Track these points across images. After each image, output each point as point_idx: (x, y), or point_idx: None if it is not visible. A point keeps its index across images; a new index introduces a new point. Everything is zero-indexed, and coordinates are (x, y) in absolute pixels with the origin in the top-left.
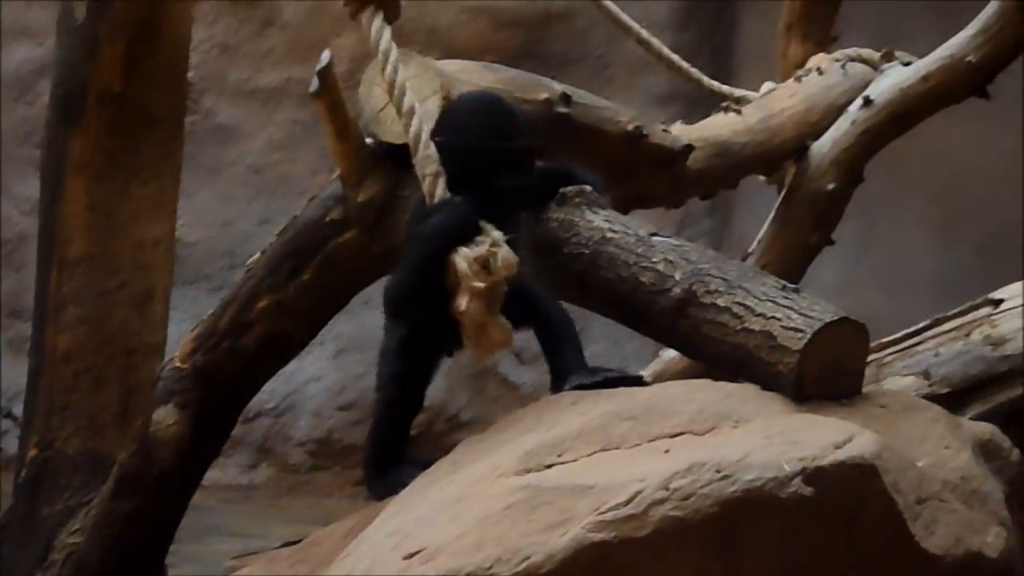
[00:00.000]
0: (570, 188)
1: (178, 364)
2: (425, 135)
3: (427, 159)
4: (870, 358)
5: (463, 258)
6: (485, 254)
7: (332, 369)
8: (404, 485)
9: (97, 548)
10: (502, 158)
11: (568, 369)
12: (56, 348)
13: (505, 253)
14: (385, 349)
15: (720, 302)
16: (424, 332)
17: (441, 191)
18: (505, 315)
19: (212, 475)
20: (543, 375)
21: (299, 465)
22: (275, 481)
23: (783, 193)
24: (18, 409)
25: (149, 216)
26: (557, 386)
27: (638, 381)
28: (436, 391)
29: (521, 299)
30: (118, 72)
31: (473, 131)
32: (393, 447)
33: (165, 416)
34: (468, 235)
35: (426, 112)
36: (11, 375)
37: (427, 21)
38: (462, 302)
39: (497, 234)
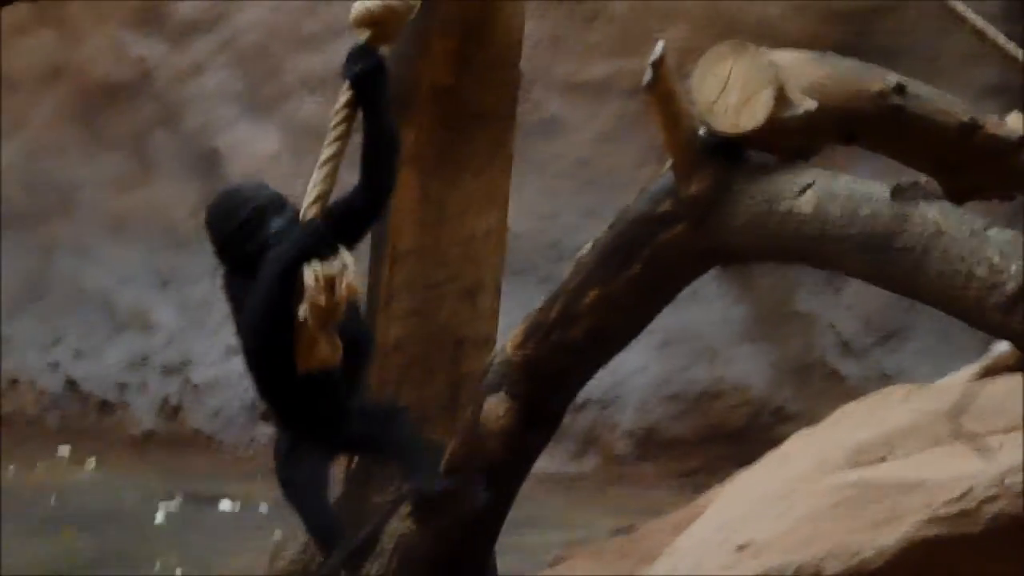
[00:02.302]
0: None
1: (509, 355)
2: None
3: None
4: None
5: (312, 271)
6: (333, 274)
7: (657, 360)
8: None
9: (427, 536)
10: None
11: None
12: (387, 338)
13: (351, 278)
14: None
15: None
16: None
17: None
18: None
19: (538, 463)
20: (870, 367)
21: (624, 456)
22: (600, 471)
23: None
24: None
25: (480, 208)
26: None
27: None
28: (761, 383)
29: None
30: (449, 67)
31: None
32: None
33: (495, 407)
34: (322, 252)
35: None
36: None
37: (755, 12)
38: (300, 312)
39: (349, 259)
